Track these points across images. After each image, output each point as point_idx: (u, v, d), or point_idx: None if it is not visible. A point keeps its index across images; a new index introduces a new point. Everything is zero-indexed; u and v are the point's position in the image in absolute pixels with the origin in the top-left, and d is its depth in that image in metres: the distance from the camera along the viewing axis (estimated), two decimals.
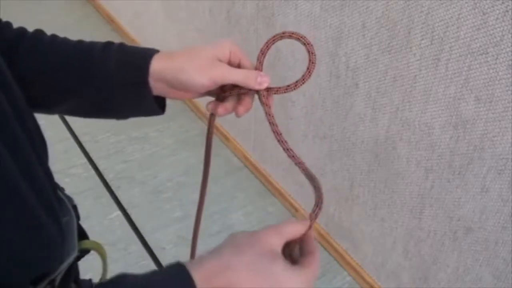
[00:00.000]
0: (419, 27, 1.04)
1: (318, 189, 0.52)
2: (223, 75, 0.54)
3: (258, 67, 0.57)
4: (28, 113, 0.51)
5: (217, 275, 0.46)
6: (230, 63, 0.57)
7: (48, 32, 0.61)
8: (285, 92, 0.57)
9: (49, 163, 0.53)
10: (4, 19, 0.59)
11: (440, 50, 1.02)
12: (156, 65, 0.55)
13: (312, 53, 0.56)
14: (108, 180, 1.98)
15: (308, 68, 0.56)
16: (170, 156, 2.07)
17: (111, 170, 2.02)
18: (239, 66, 0.58)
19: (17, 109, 0.48)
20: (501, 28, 0.89)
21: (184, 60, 0.55)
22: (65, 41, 0.59)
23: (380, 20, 1.12)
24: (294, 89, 0.56)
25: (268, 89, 0.57)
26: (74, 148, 2.08)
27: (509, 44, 0.89)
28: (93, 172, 2.01)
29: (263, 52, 0.57)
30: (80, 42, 0.59)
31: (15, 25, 0.60)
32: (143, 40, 2.54)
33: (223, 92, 0.59)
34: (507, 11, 0.87)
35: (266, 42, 0.57)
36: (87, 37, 0.61)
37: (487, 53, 0.93)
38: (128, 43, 0.59)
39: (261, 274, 0.45)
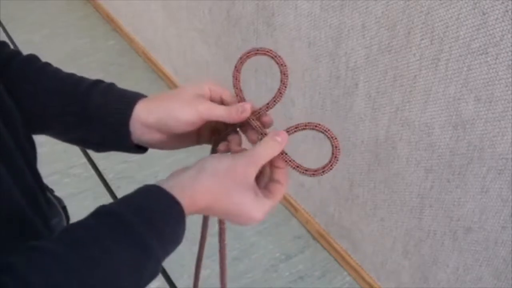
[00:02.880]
0: (419, 27, 1.04)
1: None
2: (208, 109, 0.54)
3: (238, 94, 0.56)
4: (17, 118, 0.52)
5: (199, 198, 0.49)
6: (211, 100, 0.57)
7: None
8: (266, 110, 0.56)
9: (49, 163, 0.54)
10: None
11: (440, 50, 1.02)
12: (140, 109, 0.55)
13: (284, 74, 0.54)
14: (108, 180, 1.98)
15: (279, 89, 0.55)
16: (170, 156, 2.06)
17: (111, 170, 2.02)
18: (221, 102, 0.58)
19: (6, 115, 0.49)
20: (501, 28, 0.89)
21: (167, 101, 0.55)
22: (55, 71, 0.59)
23: (380, 20, 1.12)
24: (273, 106, 0.55)
25: (256, 114, 0.56)
26: (74, 148, 2.07)
27: (509, 44, 0.89)
28: (93, 172, 2.01)
29: (236, 78, 0.56)
30: (70, 76, 0.58)
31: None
32: (143, 40, 2.54)
33: (218, 135, 0.58)
34: (507, 11, 0.87)
35: (236, 68, 0.56)
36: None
37: (487, 53, 0.93)
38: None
39: (234, 201, 0.50)
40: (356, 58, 1.24)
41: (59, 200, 0.64)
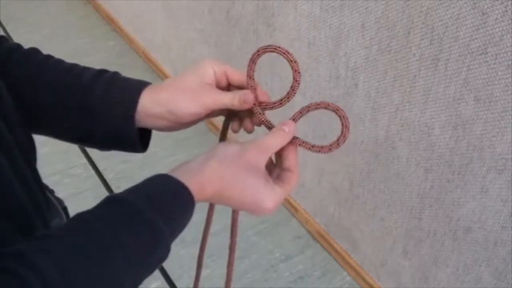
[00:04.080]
0: (419, 27, 1.04)
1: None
2: (213, 100, 0.54)
3: (249, 82, 0.56)
4: (16, 118, 0.51)
5: (208, 184, 0.49)
6: (218, 82, 0.56)
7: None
8: (272, 108, 0.56)
9: (49, 164, 0.54)
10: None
11: (440, 50, 1.02)
12: (146, 98, 0.54)
13: (296, 71, 0.55)
14: (108, 180, 1.98)
15: (292, 87, 0.55)
16: (170, 156, 2.07)
17: (111, 170, 2.02)
18: (228, 81, 0.57)
19: (5, 115, 0.49)
20: (501, 28, 0.89)
21: (172, 91, 0.54)
22: (57, 63, 0.57)
23: (379, 20, 1.12)
24: (280, 106, 0.56)
25: (263, 106, 0.56)
26: (74, 148, 2.08)
27: (509, 44, 0.89)
28: (93, 172, 2.01)
29: (251, 68, 0.56)
30: (72, 67, 0.57)
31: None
32: (143, 40, 2.54)
33: (229, 114, 0.59)
34: (506, 11, 0.87)
35: (252, 59, 0.56)
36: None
37: (487, 53, 0.93)
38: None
39: (244, 187, 0.49)
40: (356, 58, 1.24)
41: (59, 201, 0.64)
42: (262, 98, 0.56)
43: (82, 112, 0.55)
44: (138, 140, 0.57)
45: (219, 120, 2.11)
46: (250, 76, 0.56)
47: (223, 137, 0.60)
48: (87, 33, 2.78)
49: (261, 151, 0.51)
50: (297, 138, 0.55)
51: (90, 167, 2.03)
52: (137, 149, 0.58)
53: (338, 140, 0.55)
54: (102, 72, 0.57)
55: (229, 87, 0.58)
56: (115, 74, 0.57)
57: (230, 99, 0.54)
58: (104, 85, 0.55)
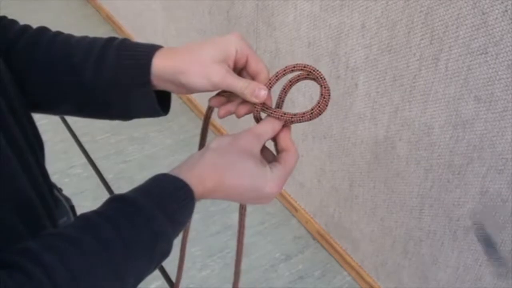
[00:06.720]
0: (419, 27, 1.04)
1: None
2: (224, 82, 0.52)
3: (272, 80, 0.54)
4: (25, 115, 0.51)
5: (207, 175, 0.49)
6: (236, 62, 0.54)
7: None
8: (280, 117, 0.54)
9: (49, 163, 0.54)
10: None
11: (440, 50, 1.02)
12: (157, 65, 0.53)
13: (324, 87, 0.53)
14: (108, 180, 1.98)
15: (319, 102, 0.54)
16: (170, 156, 2.07)
17: (111, 170, 2.02)
18: (246, 63, 0.55)
19: (15, 111, 0.49)
20: (501, 28, 0.89)
21: (185, 61, 0.52)
22: (67, 38, 0.57)
23: (379, 20, 1.12)
24: (283, 117, 0.54)
25: (265, 107, 0.55)
26: (74, 148, 2.08)
27: (509, 44, 0.89)
28: (93, 172, 2.01)
29: (285, 70, 0.55)
30: (81, 40, 0.57)
31: None
32: (143, 40, 2.54)
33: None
34: (506, 10, 0.87)
35: (284, 69, 0.54)
36: None
37: (487, 52, 0.93)
38: None
39: (241, 172, 0.50)
40: (356, 58, 1.24)
41: (67, 199, 0.64)
42: (266, 99, 0.55)
43: (96, 86, 0.54)
44: (158, 104, 0.56)
45: (219, 121, 2.11)
46: (277, 77, 0.55)
47: (205, 125, 0.61)
48: (87, 33, 2.77)
49: (253, 137, 0.52)
50: (286, 115, 0.54)
51: (90, 167, 2.03)
52: (158, 113, 0.57)
53: (320, 101, 0.54)
54: (110, 42, 0.56)
55: (242, 70, 0.56)
56: (123, 42, 0.56)
57: (241, 88, 0.53)
58: (115, 56, 0.54)
